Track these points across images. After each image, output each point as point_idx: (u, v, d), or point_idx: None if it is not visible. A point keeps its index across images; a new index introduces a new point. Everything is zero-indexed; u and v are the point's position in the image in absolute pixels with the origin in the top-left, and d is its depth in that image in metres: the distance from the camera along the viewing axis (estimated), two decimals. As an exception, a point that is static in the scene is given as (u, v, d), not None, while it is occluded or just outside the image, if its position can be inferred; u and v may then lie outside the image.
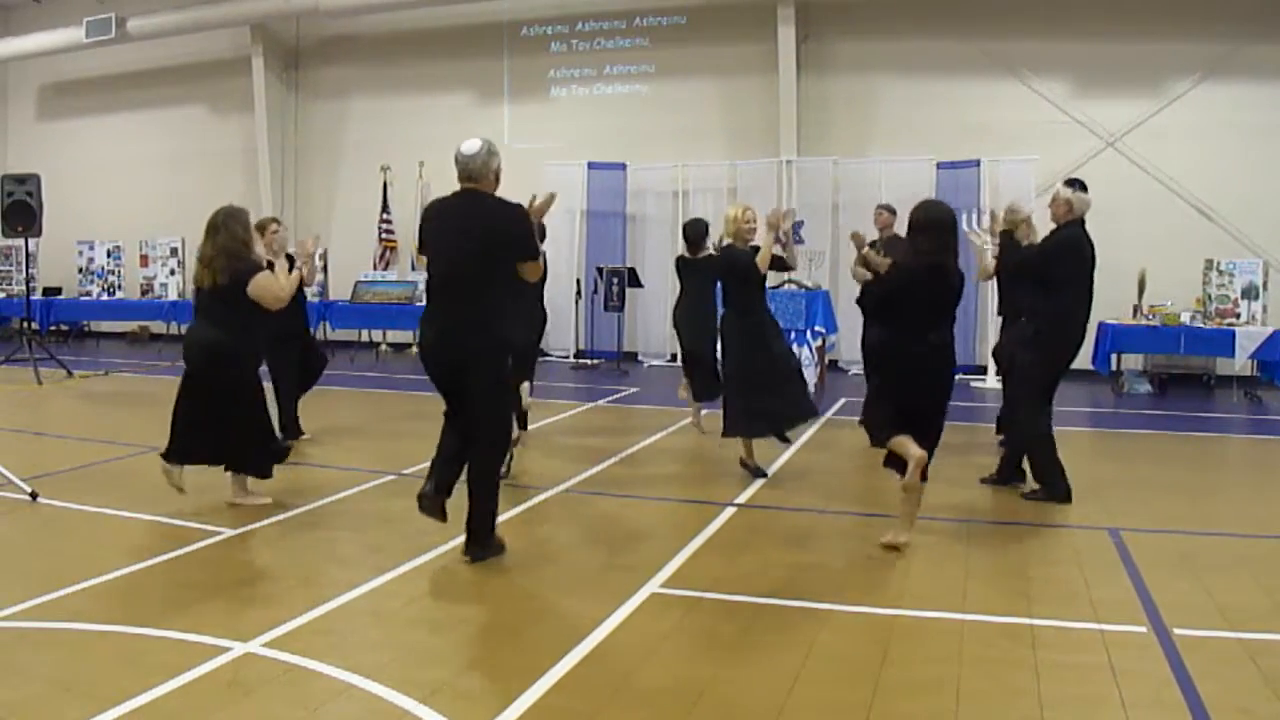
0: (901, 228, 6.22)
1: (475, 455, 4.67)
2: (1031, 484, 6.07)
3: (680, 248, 8.01)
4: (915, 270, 4.92)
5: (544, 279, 6.42)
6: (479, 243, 4.54)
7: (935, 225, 4.94)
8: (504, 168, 4.75)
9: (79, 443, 7.54)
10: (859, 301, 5.39)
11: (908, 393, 4.99)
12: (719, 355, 6.87)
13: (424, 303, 4.83)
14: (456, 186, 4.70)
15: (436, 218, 4.75)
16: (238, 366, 5.51)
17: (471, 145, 4.65)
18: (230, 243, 5.46)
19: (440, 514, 4.71)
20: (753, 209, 6.76)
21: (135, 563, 4.58)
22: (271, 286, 5.53)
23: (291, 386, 7.52)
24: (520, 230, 4.65)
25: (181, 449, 5.53)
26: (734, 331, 6.55)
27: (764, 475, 6.52)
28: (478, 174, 4.63)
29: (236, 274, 5.43)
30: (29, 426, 8.61)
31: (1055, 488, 5.88)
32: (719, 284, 6.86)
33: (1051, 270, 5.86)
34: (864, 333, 6.27)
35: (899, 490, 4.98)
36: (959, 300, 5.07)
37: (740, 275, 6.51)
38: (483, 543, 4.69)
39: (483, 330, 4.54)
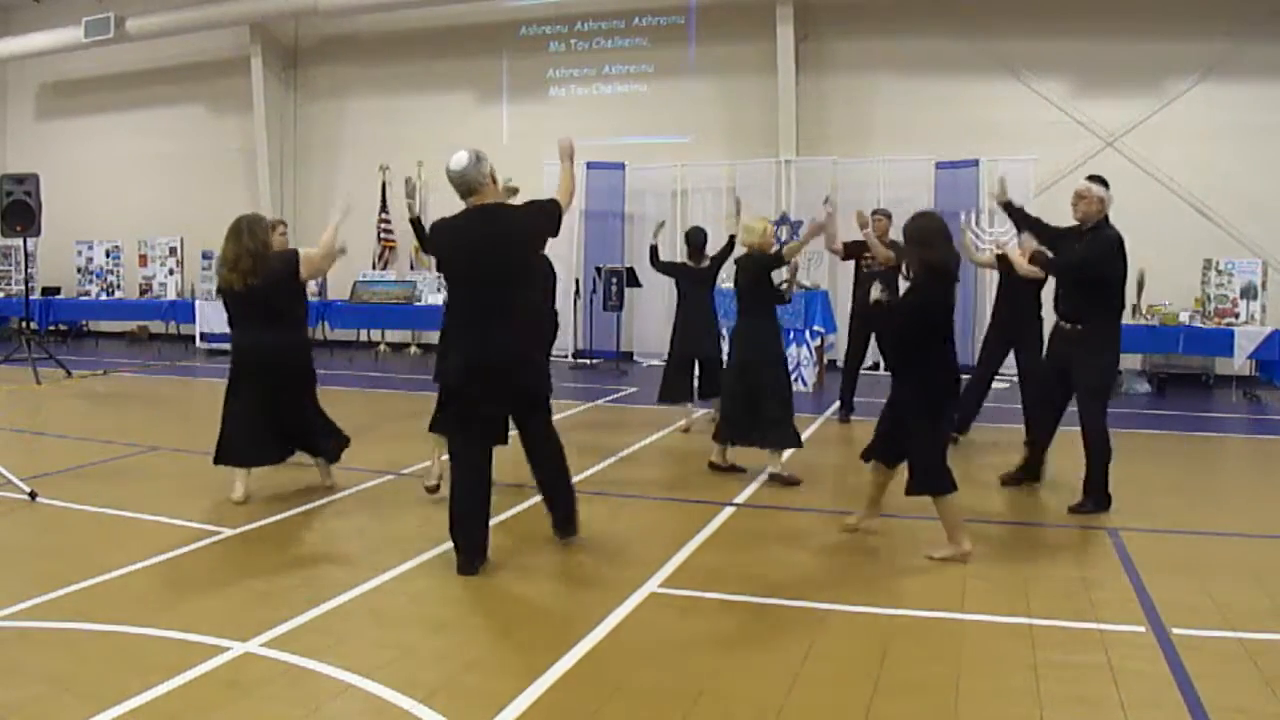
0: (896, 234, 6.17)
1: (556, 447, 4.82)
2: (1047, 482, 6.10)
3: (679, 249, 8.01)
4: (943, 284, 4.83)
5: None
6: (507, 256, 4.50)
7: (943, 231, 4.85)
8: (502, 168, 4.74)
9: (78, 442, 7.53)
10: (899, 339, 5.00)
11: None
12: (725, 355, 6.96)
13: (446, 310, 5.03)
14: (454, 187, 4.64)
15: (452, 240, 4.60)
16: (306, 358, 5.98)
17: (459, 159, 4.51)
18: (253, 244, 5.63)
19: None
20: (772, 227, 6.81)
21: (135, 563, 4.58)
22: (315, 255, 5.84)
23: None
24: (538, 217, 4.62)
25: (252, 453, 5.72)
26: (740, 338, 6.60)
27: (742, 470, 6.59)
28: (476, 184, 4.53)
29: (271, 272, 5.62)
30: (28, 426, 8.60)
31: (1104, 496, 5.76)
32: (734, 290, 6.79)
33: (1106, 270, 5.76)
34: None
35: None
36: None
37: (752, 281, 6.54)
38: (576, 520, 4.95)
39: (534, 345, 4.79)
